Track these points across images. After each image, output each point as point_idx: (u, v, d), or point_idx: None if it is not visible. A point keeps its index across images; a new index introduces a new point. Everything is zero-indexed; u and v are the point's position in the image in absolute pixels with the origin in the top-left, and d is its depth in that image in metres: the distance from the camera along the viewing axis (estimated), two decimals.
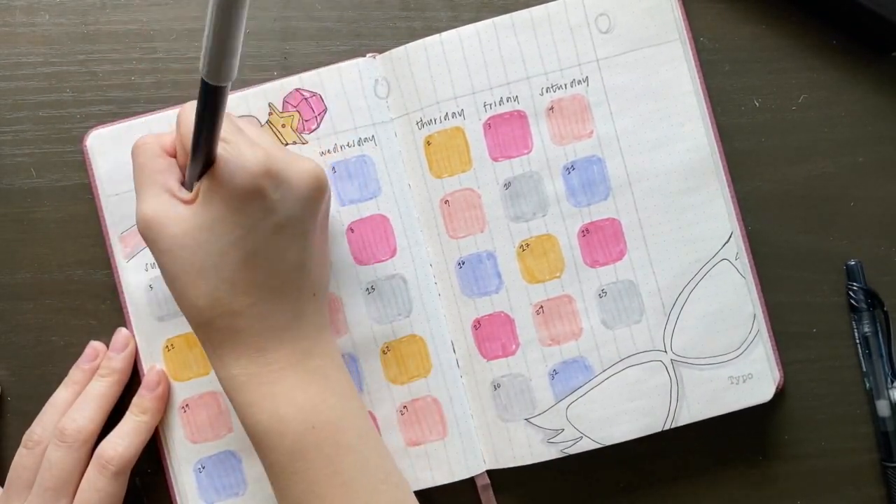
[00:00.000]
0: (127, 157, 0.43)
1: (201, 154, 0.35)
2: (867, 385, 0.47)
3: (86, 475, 0.43)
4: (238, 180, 0.36)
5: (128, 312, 0.46)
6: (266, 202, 0.37)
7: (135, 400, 0.45)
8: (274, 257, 0.38)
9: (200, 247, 0.37)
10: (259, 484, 0.46)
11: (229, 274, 0.37)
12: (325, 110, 0.46)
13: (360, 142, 0.46)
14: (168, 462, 0.46)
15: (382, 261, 0.46)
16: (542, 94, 0.46)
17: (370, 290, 0.46)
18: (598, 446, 0.45)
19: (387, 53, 0.46)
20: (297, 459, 0.38)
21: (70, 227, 0.47)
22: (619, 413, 0.46)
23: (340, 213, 0.46)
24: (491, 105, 0.46)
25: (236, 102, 0.46)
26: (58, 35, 0.47)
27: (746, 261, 0.46)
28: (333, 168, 0.46)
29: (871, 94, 0.48)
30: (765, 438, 0.47)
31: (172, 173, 0.39)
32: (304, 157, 0.40)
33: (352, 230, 0.46)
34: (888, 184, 0.48)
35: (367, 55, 0.46)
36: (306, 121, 0.46)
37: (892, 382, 0.46)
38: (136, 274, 0.46)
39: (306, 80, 0.46)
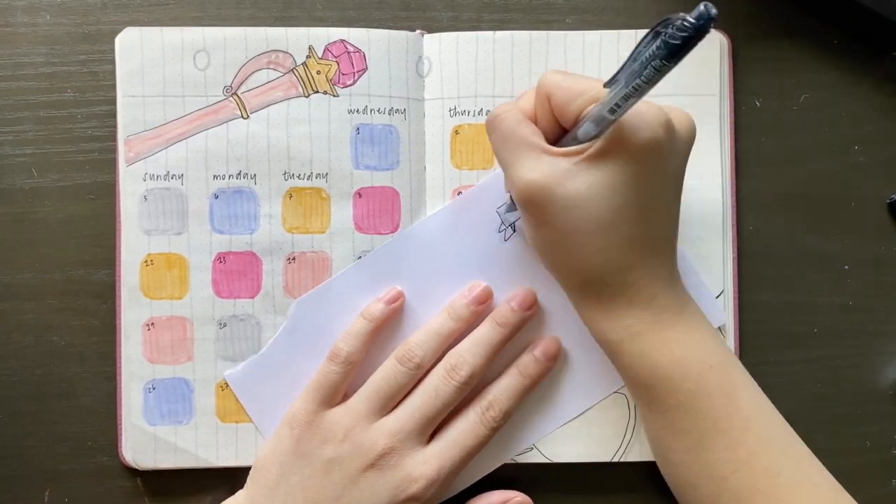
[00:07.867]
0: (152, 63, 0.45)
1: (622, 112, 0.34)
2: None
3: (468, 417, 0.43)
4: (642, 135, 0.36)
5: (119, 219, 0.46)
6: (661, 156, 0.37)
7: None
8: (662, 210, 0.38)
9: (598, 203, 0.36)
10: (205, 417, 0.46)
11: (626, 230, 0.37)
12: (364, 69, 0.46)
13: (390, 111, 0.46)
14: (120, 375, 0.46)
15: (382, 234, 0.46)
16: None
17: (361, 258, 0.46)
18: (547, 462, 0.46)
19: (436, 35, 0.47)
20: (699, 399, 0.38)
21: (71, 227, 0.47)
22: (573, 434, 0.46)
23: (353, 175, 0.46)
24: None
25: (275, 35, 0.46)
26: (59, 35, 0.47)
27: (732, 323, 0.46)
28: (358, 129, 0.46)
29: (871, 94, 0.48)
30: None
31: (538, 135, 0.38)
32: (673, 108, 0.38)
33: (359, 195, 0.46)
34: (888, 184, 0.48)
35: (417, 31, 0.47)
36: (344, 74, 0.46)
37: None
38: (134, 181, 0.46)
39: (354, 34, 0.46)
